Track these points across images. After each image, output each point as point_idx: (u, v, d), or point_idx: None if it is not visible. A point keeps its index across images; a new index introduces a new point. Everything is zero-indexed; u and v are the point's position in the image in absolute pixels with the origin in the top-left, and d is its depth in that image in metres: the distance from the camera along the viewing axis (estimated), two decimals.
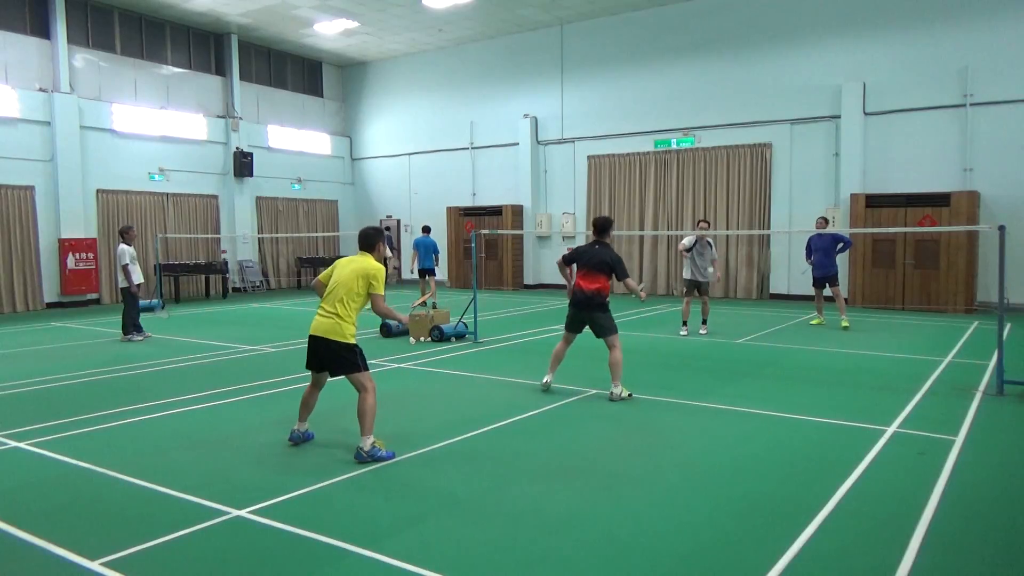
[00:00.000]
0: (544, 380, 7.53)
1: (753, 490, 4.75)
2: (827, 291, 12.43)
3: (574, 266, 7.58)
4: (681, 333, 11.65)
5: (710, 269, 11.59)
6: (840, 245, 12.24)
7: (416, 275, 17.11)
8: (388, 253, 15.48)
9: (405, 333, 11.56)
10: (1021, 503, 4.54)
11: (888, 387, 7.77)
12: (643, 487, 4.84)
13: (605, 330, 7.25)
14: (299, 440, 5.80)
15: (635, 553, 3.84)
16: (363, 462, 5.27)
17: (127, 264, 11.62)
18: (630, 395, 7.21)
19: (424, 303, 13.20)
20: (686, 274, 11.66)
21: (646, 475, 5.09)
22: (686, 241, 11.68)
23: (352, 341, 5.50)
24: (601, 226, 7.57)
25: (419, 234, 17.21)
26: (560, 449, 5.72)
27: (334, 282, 5.60)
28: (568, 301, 7.59)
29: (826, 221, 12.83)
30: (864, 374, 8.53)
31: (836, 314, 12.56)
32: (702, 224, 12.18)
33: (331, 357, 5.50)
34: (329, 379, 5.76)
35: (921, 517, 4.24)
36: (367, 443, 5.31)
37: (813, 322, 12.68)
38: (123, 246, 11.71)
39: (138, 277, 11.79)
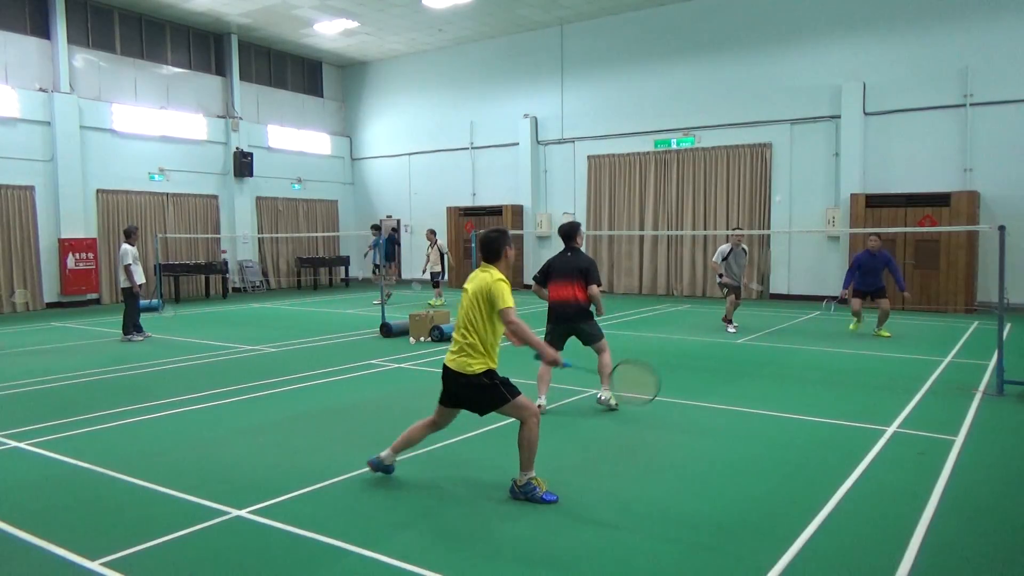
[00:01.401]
0: (538, 404, 6.66)
1: (753, 490, 4.75)
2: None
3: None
4: (729, 330, 11.94)
5: (742, 274, 12.20)
6: (895, 276, 11.16)
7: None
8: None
9: (405, 333, 11.55)
10: (1021, 503, 4.54)
11: (888, 387, 7.77)
12: (642, 487, 4.84)
13: (594, 337, 6.90)
14: (378, 469, 5.04)
15: (635, 553, 3.84)
16: (516, 498, 4.60)
17: (129, 264, 11.66)
18: (616, 405, 6.78)
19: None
20: (723, 279, 12.13)
21: (646, 475, 5.09)
22: (716, 257, 12.25)
23: (480, 371, 4.61)
24: (566, 232, 7.02)
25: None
26: (559, 449, 5.72)
27: (461, 305, 4.80)
28: (547, 319, 7.04)
29: (879, 239, 11.30)
30: (864, 374, 8.53)
31: (873, 320, 11.77)
32: (736, 230, 12.80)
33: (468, 395, 4.69)
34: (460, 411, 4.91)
35: (921, 517, 4.24)
36: (523, 478, 4.62)
37: (852, 327, 11.41)
38: (126, 246, 11.76)
39: (140, 277, 11.83)
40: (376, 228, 17.98)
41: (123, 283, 11.81)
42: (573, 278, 6.84)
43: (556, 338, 6.96)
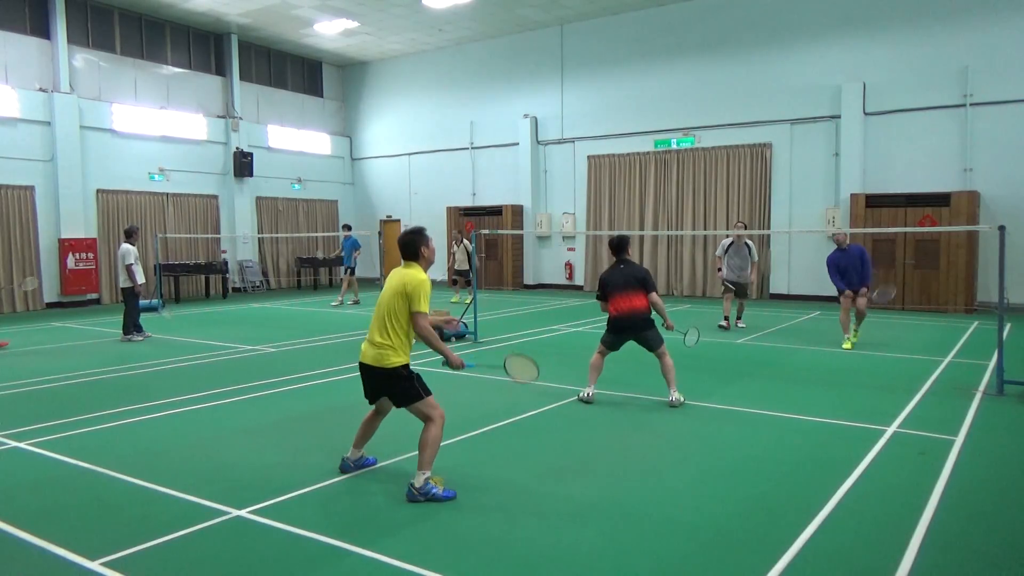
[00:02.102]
0: (587, 392, 7.16)
1: (753, 490, 4.75)
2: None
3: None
4: (720, 324, 12.11)
5: (747, 271, 12.12)
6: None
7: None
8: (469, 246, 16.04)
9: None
10: (1021, 503, 4.54)
11: (888, 387, 7.77)
12: (643, 487, 4.84)
13: (656, 343, 7.08)
14: (350, 469, 5.13)
15: (636, 553, 3.84)
16: (413, 501, 4.56)
17: (131, 264, 11.68)
18: (683, 401, 7.00)
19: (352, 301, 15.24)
20: (724, 274, 12.19)
21: (646, 475, 5.09)
22: (719, 251, 12.36)
23: (401, 364, 4.76)
24: (618, 245, 7.33)
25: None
26: (560, 449, 5.72)
27: (380, 301, 4.86)
28: (607, 328, 7.23)
29: (845, 236, 10.49)
30: (864, 374, 8.53)
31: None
32: (739, 225, 12.82)
33: (386, 388, 4.84)
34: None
35: (921, 517, 4.24)
36: (420, 478, 4.61)
37: (846, 346, 10.29)
38: (127, 245, 11.78)
39: (140, 277, 11.84)
40: (347, 228, 18.22)
41: (124, 283, 11.80)
42: (633, 289, 7.05)
43: (614, 343, 7.25)
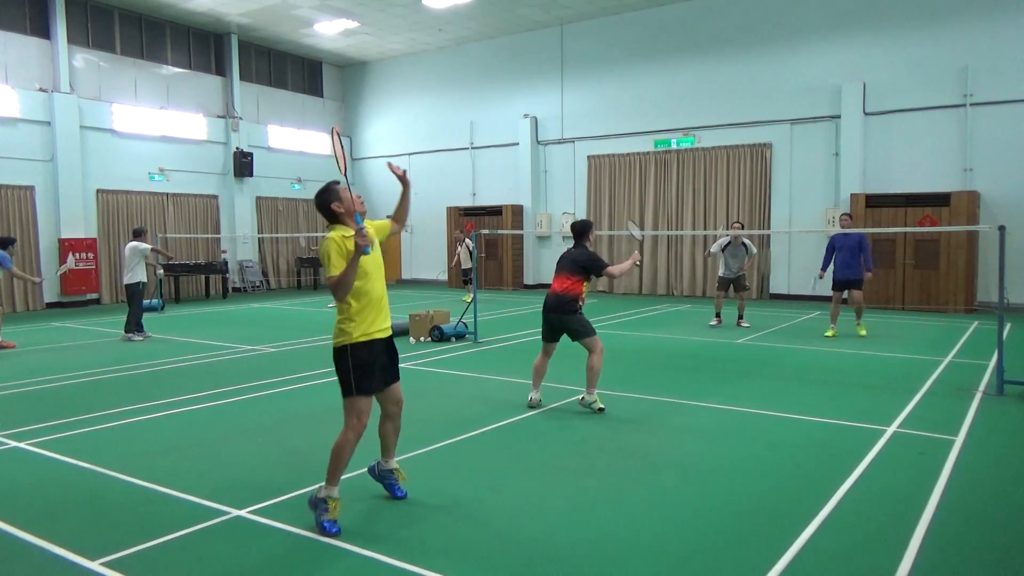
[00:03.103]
0: (530, 397, 6.93)
1: (753, 490, 4.75)
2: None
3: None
4: (711, 324, 12.26)
5: (743, 266, 12.40)
6: (863, 256, 10.97)
7: None
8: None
9: (405, 333, 11.55)
10: (1021, 503, 4.54)
11: (888, 387, 7.77)
12: (643, 487, 4.84)
13: (579, 333, 6.69)
14: (375, 475, 4.73)
15: (635, 553, 3.84)
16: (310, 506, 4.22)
17: (149, 255, 12.10)
18: (602, 409, 6.63)
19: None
20: (720, 271, 12.47)
21: (646, 475, 5.09)
22: (714, 248, 12.60)
23: (337, 343, 4.23)
24: (579, 230, 6.95)
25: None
26: (559, 449, 5.72)
27: None
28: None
29: (851, 218, 11.37)
30: (864, 374, 8.53)
31: (851, 320, 11.72)
32: (736, 225, 13.03)
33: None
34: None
35: (921, 517, 4.24)
36: (323, 491, 4.18)
37: (828, 334, 11.10)
38: (140, 243, 11.97)
39: (143, 275, 11.98)
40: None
41: (129, 279, 11.86)
42: (567, 271, 6.77)
43: (547, 331, 6.96)
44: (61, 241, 17.08)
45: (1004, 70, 14.60)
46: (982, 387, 7.63)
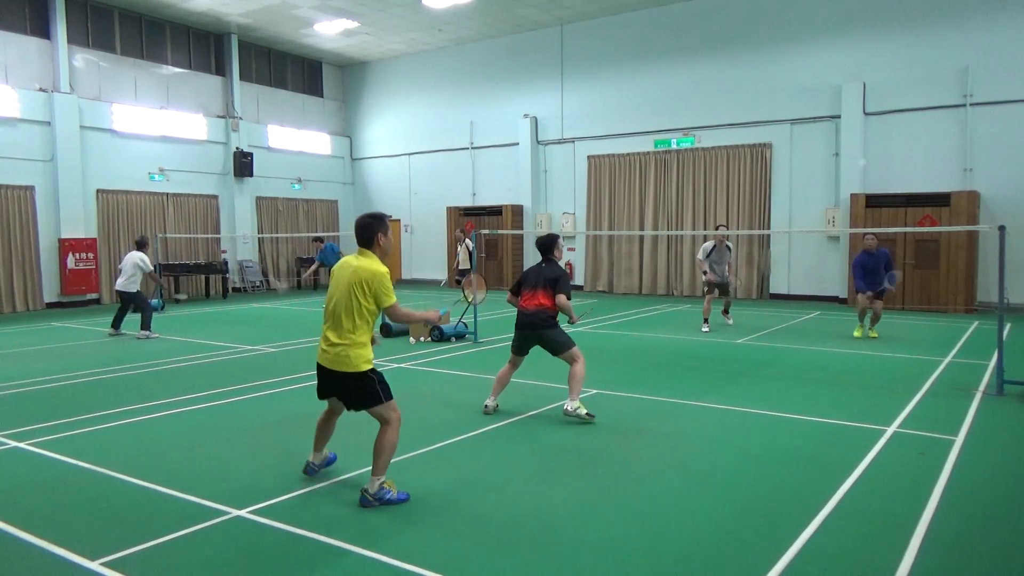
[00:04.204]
0: (486, 404, 6.82)
1: (753, 490, 4.75)
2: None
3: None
4: (703, 330, 12.03)
5: (727, 272, 12.37)
6: (889, 273, 10.82)
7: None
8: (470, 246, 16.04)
9: (405, 333, 11.56)
10: (1021, 503, 4.54)
11: (888, 387, 7.77)
12: (643, 487, 4.84)
13: (560, 346, 6.65)
14: (316, 472, 5.03)
15: (635, 553, 3.84)
16: (367, 506, 4.44)
17: (151, 272, 12.42)
18: (591, 415, 6.43)
19: None
20: (708, 276, 12.34)
21: (646, 475, 5.08)
22: (700, 255, 12.50)
23: (364, 368, 4.50)
24: (544, 245, 6.92)
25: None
26: (559, 449, 5.72)
27: (330, 296, 4.60)
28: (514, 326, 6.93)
29: (876, 237, 11.09)
30: (864, 374, 8.53)
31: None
32: (720, 228, 13.02)
33: (343, 390, 4.61)
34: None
35: (921, 517, 4.24)
36: (375, 484, 4.47)
37: (856, 333, 11.17)
38: (142, 254, 12.26)
39: (138, 285, 12.23)
40: (319, 240, 18.28)
41: (128, 287, 12.09)
42: (541, 287, 6.72)
43: (520, 346, 6.86)
44: (61, 241, 17.07)
45: (1004, 70, 14.60)
46: (982, 387, 7.63)
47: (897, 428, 6.15)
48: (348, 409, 4.73)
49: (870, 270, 10.83)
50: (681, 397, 7.36)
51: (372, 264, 4.44)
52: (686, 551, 3.88)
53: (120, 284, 12.18)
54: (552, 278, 6.72)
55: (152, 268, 12.44)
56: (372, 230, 4.51)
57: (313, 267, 17.66)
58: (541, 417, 6.67)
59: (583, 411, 6.47)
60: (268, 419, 6.71)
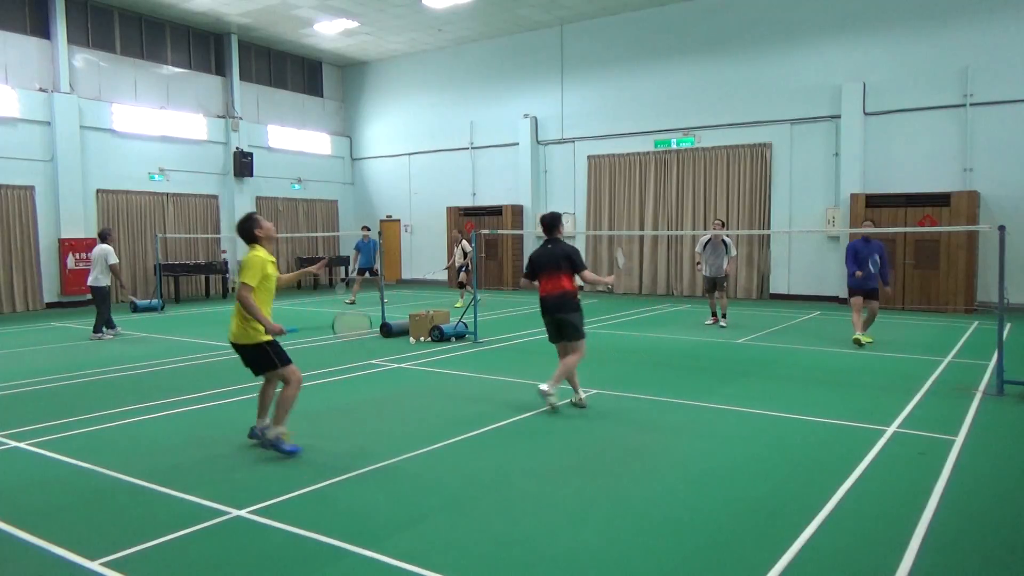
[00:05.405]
0: (579, 398, 6.95)
1: (753, 490, 4.75)
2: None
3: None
4: (707, 323, 12.48)
5: (723, 267, 12.40)
6: (881, 266, 10.49)
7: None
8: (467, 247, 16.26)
9: (405, 333, 11.56)
10: (1021, 503, 4.54)
11: (888, 387, 7.77)
12: (643, 487, 4.84)
13: (577, 332, 6.78)
14: (257, 437, 5.72)
15: (635, 553, 3.84)
16: (260, 443, 5.51)
17: (115, 264, 11.92)
18: (553, 405, 6.68)
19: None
20: (704, 271, 12.58)
21: (646, 475, 5.09)
22: (697, 247, 12.74)
23: (258, 341, 5.44)
24: (548, 223, 6.99)
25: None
26: (560, 449, 5.72)
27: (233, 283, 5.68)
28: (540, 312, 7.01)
29: (873, 223, 11.00)
30: (864, 374, 8.53)
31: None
32: (716, 223, 13.09)
33: (246, 359, 5.59)
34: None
35: (921, 517, 4.24)
36: (274, 431, 5.42)
37: (856, 338, 10.42)
38: (107, 246, 11.96)
39: (106, 279, 12.03)
40: (367, 229, 18.34)
41: (95, 281, 11.89)
42: (559, 268, 6.78)
43: (554, 332, 6.96)
44: (61, 241, 17.08)
45: (1004, 70, 14.60)
46: (982, 387, 7.63)
47: (897, 428, 6.15)
48: (255, 374, 5.67)
49: (862, 257, 10.45)
50: (681, 397, 7.36)
51: (250, 252, 5.49)
52: (686, 551, 3.88)
53: (92, 279, 11.99)
54: (566, 257, 6.80)
55: (117, 261, 12.00)
56: (248, 230, 5.54)
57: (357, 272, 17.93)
58: (541, 417, 6.67)
59: (554, 399, 6.70)
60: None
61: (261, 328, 5.39)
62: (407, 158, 23.57)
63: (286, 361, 5.54)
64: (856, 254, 10.50)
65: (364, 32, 20.52)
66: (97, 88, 18.10)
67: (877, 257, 10.43)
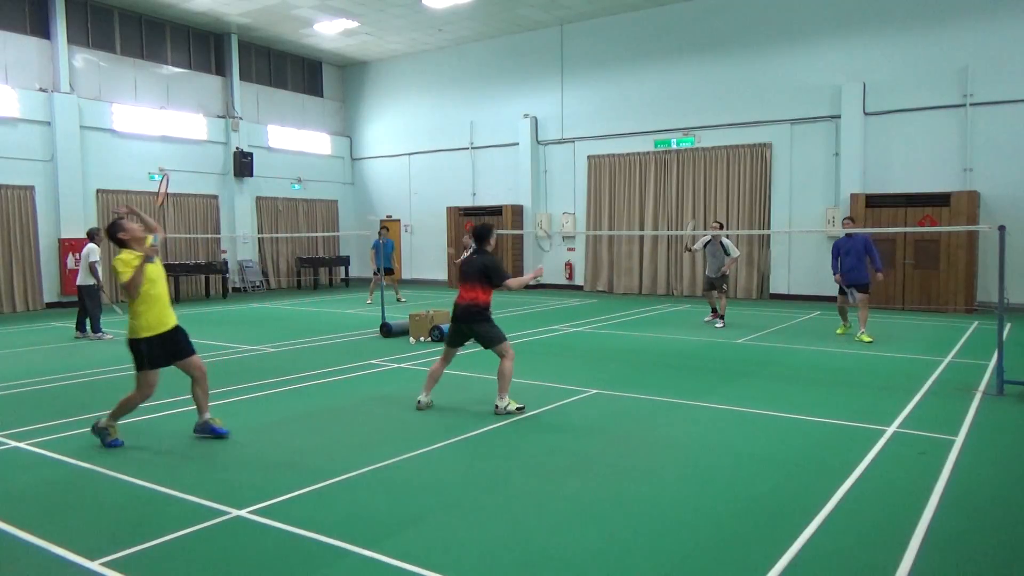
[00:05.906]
0: (419, 400, 6.93)
1: (753, 490, 4.75)
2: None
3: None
4: (705, 319, 12.78)
5: (722, 267, 12.48)
6: (869, 258, 10.70)
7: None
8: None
9: (405, 333, 11.56)
10: (1021, 503, 4.54)
11: (888, 387, 7.77)
12: (643, 487, 4.84)
13: (491, 340, 6.75)
14: (197, 431, 6.04)
15: (635, 553, 3.84)
16: (197, 431, 6.02)
17: (95, 261, 11.89)
18: (521, 408, 6.67)
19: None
20: (705, 271, 12.81)
21: (646, 475, 5.08)
22: (697, 245, 12.98)
23: (132, 336, 5.75)
24: (478, 234, 6.93)
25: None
26: (560, 449, 5.72)
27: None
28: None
29: (853, 221, 11.44)
30: (864, 374, 8.53)
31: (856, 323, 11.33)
32: (714, 225, 13.28)
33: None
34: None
35: (921, 517, 4.24)
36: (203, 417, 5.99)
37: (838, 331, 11.32)
38: (93, 245, 11.96)
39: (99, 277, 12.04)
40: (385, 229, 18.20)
41: (87, 280, 11.90)
42: (473, 279, 6.77)
43: (453, 337, 6.95)
44: (61, 241, 17.08)
45: (1004, 70, 14.60)
46: (982, 387, 7.63)
47: (897, 428, 6.15)
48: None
49: (844, 252, 10.73)
50: (681, 397, 7.36)
51: (117, 255, 5.74)
52: (686, 551, 3.88)
53: (80, 279, 12.01)
54: (483, 270, 6.76)
55: (97, 260, 11.90)
56: (114, 235, 5.78)
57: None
58: (540, 417, 6.67)
59: (512, 406, 6.65)
60: (268, 419, 6.71)
61: (137, 324, 5.71)
62: (407, 158, 23.58)
63: (140, 367, 5.82)
64: (838, 251, 10.87)
65: (364, 32, 20.52)
66: (97, 88, 18.10)
67: (863, 249, 10.68)
